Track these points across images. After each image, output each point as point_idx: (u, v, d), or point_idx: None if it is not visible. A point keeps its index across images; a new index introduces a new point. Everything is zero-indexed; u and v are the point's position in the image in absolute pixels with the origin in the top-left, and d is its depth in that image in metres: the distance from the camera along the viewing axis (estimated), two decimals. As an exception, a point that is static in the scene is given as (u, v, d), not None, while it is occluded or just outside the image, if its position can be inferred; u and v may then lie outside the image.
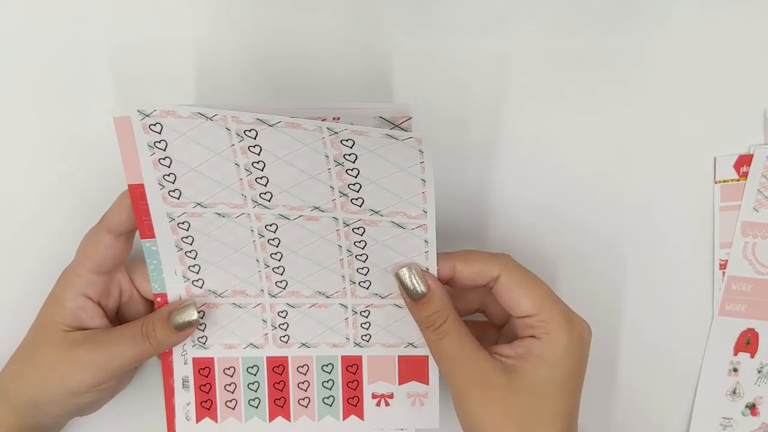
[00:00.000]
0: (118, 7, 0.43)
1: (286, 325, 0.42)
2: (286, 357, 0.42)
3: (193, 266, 0.40)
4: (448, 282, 0.39)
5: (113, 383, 0.41)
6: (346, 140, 0.36)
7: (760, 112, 0.44)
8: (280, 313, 0.41)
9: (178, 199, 0.38)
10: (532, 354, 0.37)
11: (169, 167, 0.37)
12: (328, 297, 0.41)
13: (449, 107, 0.44)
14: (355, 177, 0.37)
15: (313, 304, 0.41)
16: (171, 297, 0.41)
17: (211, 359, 0.42)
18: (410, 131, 0.36)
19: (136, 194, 0.38)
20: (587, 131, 0.44)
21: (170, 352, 0.42)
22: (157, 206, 0.38)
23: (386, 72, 0.43)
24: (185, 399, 0.43)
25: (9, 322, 0.43)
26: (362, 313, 0.41)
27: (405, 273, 0.38)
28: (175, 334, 0.40)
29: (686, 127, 0.44)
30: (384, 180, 0.37)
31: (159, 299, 0.41)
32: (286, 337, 0.42)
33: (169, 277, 0.41)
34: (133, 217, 0.39)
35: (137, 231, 0.39)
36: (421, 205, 0.38)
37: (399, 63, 0.44)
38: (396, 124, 0.36)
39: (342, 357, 0.42)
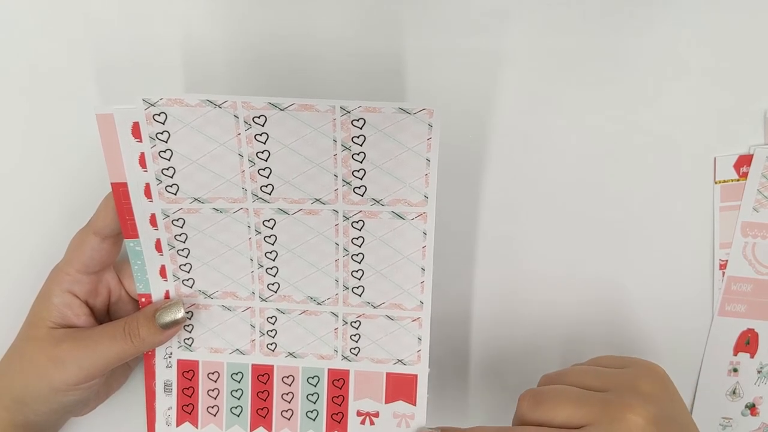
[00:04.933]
0: (109, 5, 0.43)
1: (274, 332, 0.41)
2: (272, 366, 0.42)
3: (185, 265, 0.40)
4: None
5: (99, 382, 0.40)
6: (357, 120, 0.36)
7: (760, 112, 0.44)
8: (269, 319, 0.41)
9: (175, 194, 0.38)
10: None
11: (169, 160, 0.37)
12: (319, 304, 0.41)
13: (446, 107, 0.44)
14: (361, 162, 0.37)
15: (304, 311, 0.41)
16: (155, 297, 0.41)
17: (196, 362, 0.42)
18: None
19: (119, 193, 0.38)
20: (587, 131, 0.44)
21: (153, 355, 0.42)
22: (141, 205, 0.38)
23: (384, 72, 0.43)
24: (166, 404, 0.42)
25: (2, 321, 0.43)
26: (353, 324, 0.41)
27: None
28: (160, 332, 0.39)
29: (686, 127, 0.44)
30: (389, 163, 0.37)
31: (143, 299, 0.41)
32: (274, 345, 0.41)
33: (153, 277, 0.40)
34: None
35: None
36: (423, 190, 0.38)
37: (397, 63, 0.43)
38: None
39: (329, 370, 0.42)
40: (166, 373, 0.42)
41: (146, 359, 0.42)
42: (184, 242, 0.40)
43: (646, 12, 0.43)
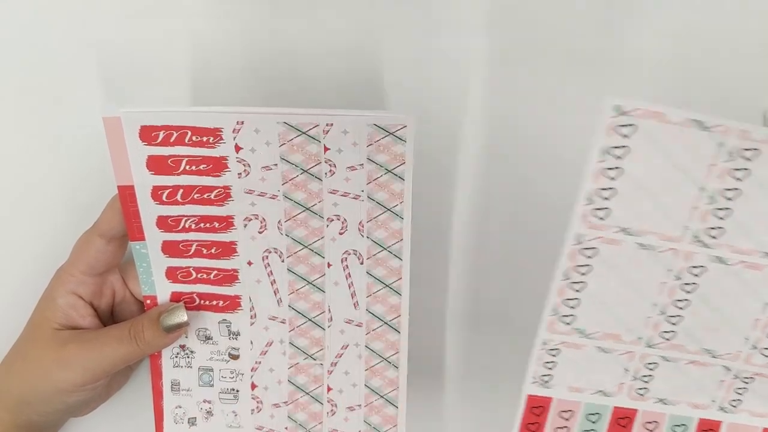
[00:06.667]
0: (111, 6, 0.43)
1: (650, 377, 0.38)
2: (636, 410, 0.39)
3: (570, 300, 0.36)
4: None
5: (103, 383, 0.41)
6: None
7: (760, 112, 0.44)
8: (649, 365, 0.37)
9: (603, 220, 0.34)
10: None
11: (613, 179, 0.33)
12: (714, 357, 0.37)
13: (446, 107, 0.44)
14: None
15: (693, 361, 0.37)
16: (161, 299, 0.41)
17: (549, 399, 0.38)
18: (405, 140, 0.37)
19: (126, 196, 0.38)
20: (586, 131, 0.44)
21: (159, 355, 0.42)
22: (147, 207, 0.38)
23: (381, 73, 0.43)
24: (174, 402, 0.42)
25: (3, 321, 0.43)
26: (744, 379, 0.38)
27: None
28: (164, 336, 0.40)
29: (686, 126, 0.44)
30: None
31: (148, 301, 0.41)
32: (644, 390, 0.38)
33: (159, 279, 0.41)
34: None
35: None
36: None
37: (394, 64, 0.43)
38: (390, 132, 0.36)
39: (700, 420, 0.38)
40: (173, 372, 0.42)
41: (152, 359, 0.42)
42: (582, 275, 0.35)
43: (645, 12, 0.43)
